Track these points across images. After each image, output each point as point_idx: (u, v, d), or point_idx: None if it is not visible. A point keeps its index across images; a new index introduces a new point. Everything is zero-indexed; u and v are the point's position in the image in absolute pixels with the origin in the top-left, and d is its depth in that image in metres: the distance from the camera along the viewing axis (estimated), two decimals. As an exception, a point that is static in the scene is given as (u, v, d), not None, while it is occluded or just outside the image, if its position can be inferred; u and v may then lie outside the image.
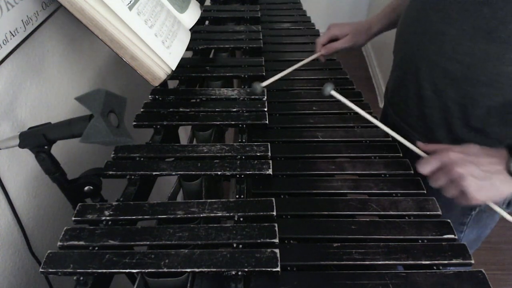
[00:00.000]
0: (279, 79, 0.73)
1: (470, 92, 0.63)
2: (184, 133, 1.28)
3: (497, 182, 0.54)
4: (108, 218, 0.52)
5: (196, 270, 0.46)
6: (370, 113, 0.75)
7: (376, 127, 0.71)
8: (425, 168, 0.57)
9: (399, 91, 0.78)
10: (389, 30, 0.87)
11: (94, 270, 0.46)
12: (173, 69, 0.68)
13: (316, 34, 1.04)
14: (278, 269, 0.45)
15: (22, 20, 0.58)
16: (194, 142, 0.81)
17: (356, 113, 0.75)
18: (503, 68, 0.59)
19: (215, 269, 0.45)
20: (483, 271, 0.48)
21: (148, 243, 0.49)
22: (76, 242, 0.49)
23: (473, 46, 0.60)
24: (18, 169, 0.60)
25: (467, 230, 0.78)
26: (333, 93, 0.63)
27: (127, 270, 0.46)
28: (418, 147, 0.61)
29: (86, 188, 0.56)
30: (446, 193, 0.56)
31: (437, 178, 0.56)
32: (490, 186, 0.54)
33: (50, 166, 0.52)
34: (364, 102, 0.78)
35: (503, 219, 0.81)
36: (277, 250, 0.47)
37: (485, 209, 0.75)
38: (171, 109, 0.72)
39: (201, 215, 0.53)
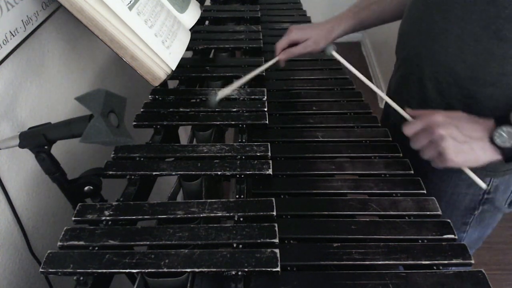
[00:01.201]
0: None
1: (474, 92, 0.63)
2: (184, 133, 1.28)
3: (476, 148, 0.54)
4: (108, 218, 0.52)
5: (196, 270, 0.46)
6: (369, 113, 0.75)
7: (377, 126, 0.72)
8: (410, 129, 0.58)
9: (402, 91, 0.77)
10: (355, 32, 0.84)
11: (94, 270, 0.46)
12: (173, 69, 0.68)
13: (316, 34, 1.04)
14: (278, 269, 0.45)
15: (22, 20, 0.58)
16: (194, 142, 0.81)
17: (356, 113, 0.75)
18: (508, 68, 0.58)
19: (215, 269, 0.45)
20: (483, 271, 0.48)
21: (148, 243, 0.49)
22: (76, 242, 0.49)
23: (478, 45, 0.59)
24: (18, 169, 0.60)
25: (470, 230, 0.78)
26: (334, 53, 0.69)
27: (127, 270, 0.46)
28: (407, 112, 0.62)
29: (86, 188, 0.56)
30: (424, 155, 0.57)
31: (418, 139, 0.57)
32: (469, 150, 0.54)
33: (50, 166, 0.52)
34: (364, 102, 0.78)
35: (504, 219, 0.81)
36: (277, 250, 0.47)
37: (488, 208, 0.75)
38: (171, 109, 0.72)
39: (201, 215, 0.53)
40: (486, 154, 0.55)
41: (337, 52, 0.73)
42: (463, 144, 0.54)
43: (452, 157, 0.55)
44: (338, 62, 0.92)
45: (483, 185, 0.59)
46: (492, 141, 0.54)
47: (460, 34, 0.61)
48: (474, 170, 0.58)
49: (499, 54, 0.58)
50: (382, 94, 0.69)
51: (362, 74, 0.68)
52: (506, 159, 0.55)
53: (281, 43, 0.82)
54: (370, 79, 2.48)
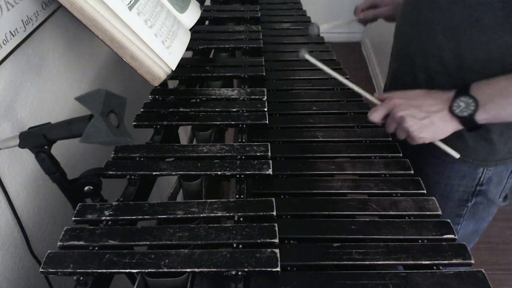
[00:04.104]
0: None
1: (463, 81, 0.64)
2: (184, 133, 1.28)
3: (436, 120, 0.58)
4: (108, 218, 0.52)
5: (196, 270, 0.46)
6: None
7: (377, 126, 0.71)
8: (374, 116, 0.62)
9: (396, 84, 0.79)
10: None
11: (94, 270, 0.46)
12: (173, 69, 0.68)
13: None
14: (278, 269, 0.45)
15: (22, 20, 0.58)
16: (194, 142, 0.81)
17: (356, 113, 0.75)
18: (493, 55, 0.60)
19: (215, 269, 0.45)
20: (483, 271, 0.48)
21: (148, 243, 0.49)
22: (76, 242, 0.49)
23: (462, 34, 0.61)
24: (18, 169, 0.60)
25: (464, 223, 0.79)
26: (308, 57, 0.70)
27: (127, 270, 0.46)
28: (375, 97, 0.66)
29: (86, 188, 0.56)
30: (399, 137, 0.62)
31: (388, 125, 0.62)
32: (430, 124, 0.58)
33: (50, 166, 0.52)
34: (364, 102, 0.78)
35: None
36: (277, 250, 0.47)
37: (482, 201, 0.75)
38: (171, 109, 0.72)
39: (201, 215, 0.53)
40: (447, 125, 0.58)
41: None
42: (423, 120, 0.58)
43: (418, 134, 0.59)
44: (338, 63, 0.93)
45: (455, 154, 0.62)
46: (451, 111, 0.57)
47: (446, 24, 0.63)
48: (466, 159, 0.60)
49: (483, 42, 0.60)
50: (347, 82, 0.71)
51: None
52: (467, 128, 0.58)
53: (362, 5, 0.89)
54: (370, 79, 2.49)
